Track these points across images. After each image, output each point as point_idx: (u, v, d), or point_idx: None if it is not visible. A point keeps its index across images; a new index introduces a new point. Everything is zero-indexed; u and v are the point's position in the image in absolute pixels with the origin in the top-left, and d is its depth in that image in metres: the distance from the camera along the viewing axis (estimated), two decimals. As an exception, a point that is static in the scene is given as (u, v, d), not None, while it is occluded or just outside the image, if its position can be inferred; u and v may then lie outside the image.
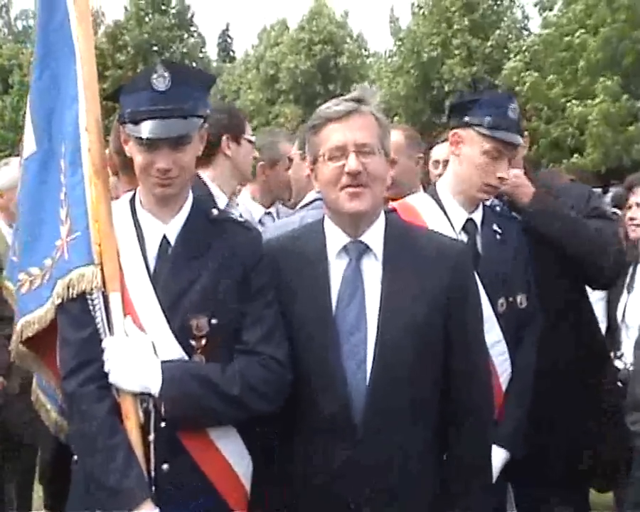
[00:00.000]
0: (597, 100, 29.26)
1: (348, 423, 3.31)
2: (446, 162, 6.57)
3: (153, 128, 3.28)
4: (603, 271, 4.85)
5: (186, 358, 3.31)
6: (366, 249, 3.46)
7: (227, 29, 59.83)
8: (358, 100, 3.44)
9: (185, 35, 51.91)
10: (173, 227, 3.43)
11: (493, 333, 4.12)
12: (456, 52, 37.59)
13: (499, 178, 4.23)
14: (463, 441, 3.46)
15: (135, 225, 3.45)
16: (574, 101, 30.14)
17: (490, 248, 4.29)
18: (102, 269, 3.36)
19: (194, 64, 49.70)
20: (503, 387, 4.23)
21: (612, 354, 5.71)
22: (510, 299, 4.26)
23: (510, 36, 38.97)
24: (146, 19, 50.48)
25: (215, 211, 3.58)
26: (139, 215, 3.47)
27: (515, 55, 34.27)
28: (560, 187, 5.28)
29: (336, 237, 3.49)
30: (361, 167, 3.34)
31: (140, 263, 3.38)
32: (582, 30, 30.79)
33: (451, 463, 3.49)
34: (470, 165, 4.26)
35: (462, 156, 4.30)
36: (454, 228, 4.24)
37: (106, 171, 3.54)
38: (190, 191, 3.53)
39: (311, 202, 5.02)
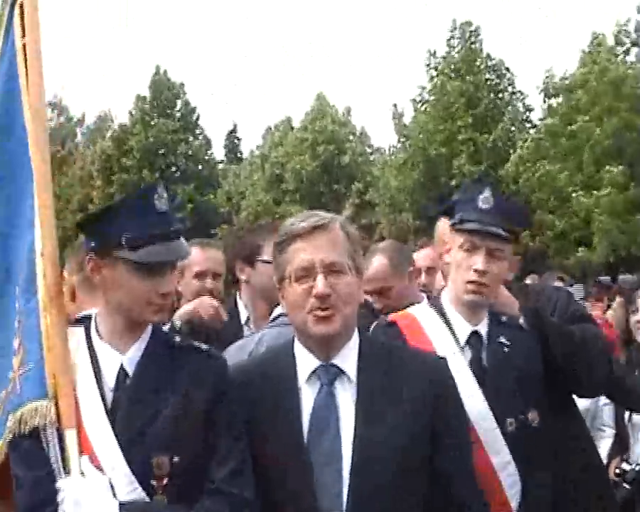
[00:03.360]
0: (603, 192, 29.37)
1: None
2: (428, 269, 6.51)
3: (159, 252, 3.17)
4: (595, 379, 4.56)
5: (147, 499, 3.10)
6: (339, 372, 3.28)
7: (234, 130, 60.21)
8: (324, 215, 3.30)
9: (191, 138, 52.46)
10: (131, 357, 3.24)
11: (501, 455, 3.82)
12: (462, 148, 37.79)
13: (475, 270, 3.94)
14: None
15: (90, 355, 3.26)
16: (580, 192, 30.23)
17: (496, 362, 3.95)
18: (56, 404, 3.18)
19: (199, 166, 50.40)
20: (512, 504, 3.89)
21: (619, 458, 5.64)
22: (521, 417, 3.89)
23: (513, 129, 39.21)
24: (152, 123, 50.95)
25: (176, 338, 3.41)
26: (95, 344, 3.28)
27: (520, 147, 34.47)
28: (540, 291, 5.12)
29: (305, 361, 3.31)
30: (329, 289, 3.18)
31: (96, 397, 3.19)
32: (586, 118, 31.02)
33: None
34: (454, 266, 4.06)
35: (451, 261, 4.11)
36: (458, 341, 3.97)
37: (61, 299, 3.36)
38: None
39: (275, 318, 4.81)
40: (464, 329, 3.99)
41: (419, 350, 3.67)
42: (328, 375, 3.27)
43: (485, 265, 3.91)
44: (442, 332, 4.02)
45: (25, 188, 3.47)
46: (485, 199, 4.00)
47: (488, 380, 3.89)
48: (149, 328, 3.31)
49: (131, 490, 3.09)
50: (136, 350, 3.25)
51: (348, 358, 3.29)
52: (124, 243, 3.16)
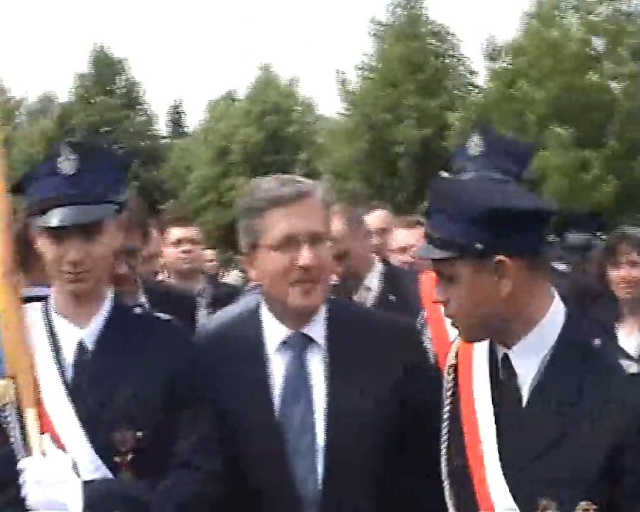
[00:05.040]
0: (551, 152, 29.55)
1: None
2: (380, 230, 6.48)
3: (61, 215, 3.01)
4: None
5: (111, 476, 3.03)
6: (309, 341, 3.20)
7: (178, 105, 59.67)
8: (307, 181, 3.19)
9: (133, 114, 51.94)
10: (90, 332, 3.15)
11: None
12: (407, 113, 37.73)
13: None
14: None
15: (49, 331, 3.17)
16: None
17: None
18: (15, 383, 3.09)
19: (142, 143, 49.92)
20: None
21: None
22: None
23: (456, 93, 39.25)
24: (93, 101, 50.35)
25: (138, 310, 3.34)
26: (53, 319, 3.19)
27: (461, 109, 34.54)
28: None
29: (274, 330, 3.22)
30: (316, 260, 3.06)
31: (55, 374, 3.11)
32: (526, 82, 31.19)
33: None
34: None
35: None
36: None
37: (14, 277, 3.24)
38: (110, 288, 3.26)
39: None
40: None
41: (389, 316, 3.57)
42: (299, 344, 3.19)
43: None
44: None
45: None
46: (474, 145, 3.73)
47: None
48: (109, 300, 3.21)
49: (94, 468, 3.02)
50: (95, 324, 3.16)
51: (316, 326, 3.21)
52: (34, 207, 3.09)
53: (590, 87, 31.51)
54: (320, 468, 3.07)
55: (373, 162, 38.38)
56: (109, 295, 3.23)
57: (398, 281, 5.10)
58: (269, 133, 45.76)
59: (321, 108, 68.75)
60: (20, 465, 3.00)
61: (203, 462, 3.08)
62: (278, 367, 3.18)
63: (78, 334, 3.14)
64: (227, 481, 3.08)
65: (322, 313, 3.23)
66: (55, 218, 3.02)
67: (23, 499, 2.96)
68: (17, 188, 3.23)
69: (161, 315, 3.37)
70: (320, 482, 3.06)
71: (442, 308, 2.82)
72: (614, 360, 2.88)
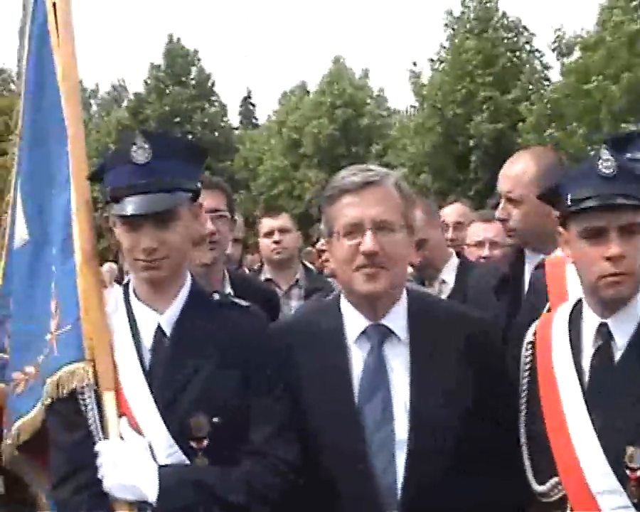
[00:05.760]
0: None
1: None
2: (456, 224, 6.43)
3: (135, 204, 3.06)
4: None
5: (187, 460, 3.07)
6: (388, 333, 3.19)
7: (248, 96, 60.07)
8: (378, 170, 3.20)
9: (206, 105, 52.26)
10: (168, 317, 3.19)
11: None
12: (483, 107, 37.43)
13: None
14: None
15: (128, 316, 3.22)
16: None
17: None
18: (94, 366, 3.15)
19: (216, 133, 50.19)
20: None
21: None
22: None
23: (531, 87, 38.82)
24: (167, 91, 50.76)
25: (216, 296, 3.35)
26: (133, 305, 3.23)
27: (536, 105, 34.13)
28: None
29: (354, 320, 3.23)
30: (378, 247, 3.07)
31: (134, 358, 3.15)
32: (601, 77, 30.72)
33: None
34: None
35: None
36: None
37: (96, 260, 3.33)
38: (189, 274, 3.29)
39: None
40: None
41: (467, 310, 3.54)
42: (378, 335, 3.19)
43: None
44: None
45: (60, 145, 3.43)
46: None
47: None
48: (187, 286, 3.25)
49: (170, 452, 3.06)
50: (173, 310, 3.19)
51: (397, 318, 3.21)
52: (109, 196, 3.14)
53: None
54: (400, 464, 3.05)
55: (445, 156, 38.15)
56: (188, 281, 3.26)
57: (473, 276, 5.05)
58: (341, 125, 45.67)
59: (393, 101, 68.61)
60: (98, 448, 3.04)
61: (276, 451, 3.10)
62: (357, 357, 3.18)
63: (156, 319, 3.18)
64: (301, 472, 3.08)
65: (402, 305, 3.24)
66: (129, 207, 3.06)
67: (100, 481, 3.01)
68: (94, 176, 3.30)
69: (240, 301, 3.38)
70: (401, 478, 3.05)
71: (612, 266, 2.99)
72: None
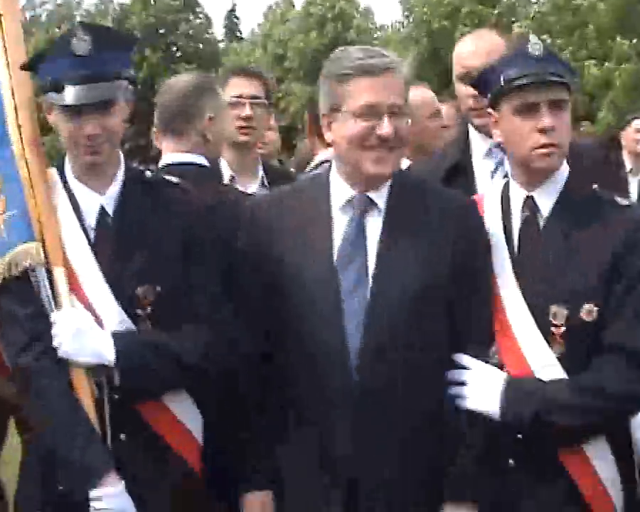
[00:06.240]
0: (614, 65, 28.96)
1: (346, 386, 3.15)
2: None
3: (78, 94, 3.17)
4: None
5: (133, 327, 3.25)
6: (370, 203, 3.28)
7: (233, 9, 59.46)
8: (393, 56, 3.27)
9: (191, 17, 51.78)
10: (109, 197, 3.34)
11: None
12: (465, 21, 37.23)
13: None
14: None
15: (69, 197, 3.34)
16: (591, 61, 29.76)
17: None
18: (43, 245, 3.26)
19: (200, 45, 49.78)
20: None
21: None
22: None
23: (517, 2, 38.62)
24: (152, 2, 50.28)
25: (148, 173, 3.52)
26: (72, 186, 3.36)
27: (523, 20, 33.99)
28: None
29: (341, 191, 3.32)
30: (393, 131, 3.16)
31: (80, 235, 3.29)
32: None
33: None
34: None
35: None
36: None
37: (40, 147, 3.41)
38: (122, 155, 3.44)
39: (320, 164, 4.76)
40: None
41: (454, 193, 3.57)
42: (361, 205, 3.28)
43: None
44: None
45: None
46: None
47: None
48: (122, 167, 3.40)
49: (119, 321, 3.22)
50: (114, 190, 3.34)
51: (381, 191, 3.29)
52: (47, 86, 3.24)
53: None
54: (363, 327, 3.17)
55: (430, 70, 38.00)
56: (122, 162, 3.41)
57: (419, 172, 5.06)
58: (330, 40, 45.29)
59: (379, 17, 67.86)
60: (53, 318, 3.17)
61: (219, 315, 3.32)
62: (340, 225, 3.29)
63: (99, 200, 3.32)
64: (240, 330, 3.28)
65: (387, 181, 3.31)
66: (73, 96, 3.17)
67: (55, 350, 3.16)
68: (30, 66, 3.36)
69: (171, 178, 3.53)
70: (361, 341, 3.17)
71: (545, 137, 3.23)
72: (610, 196, 3.40)
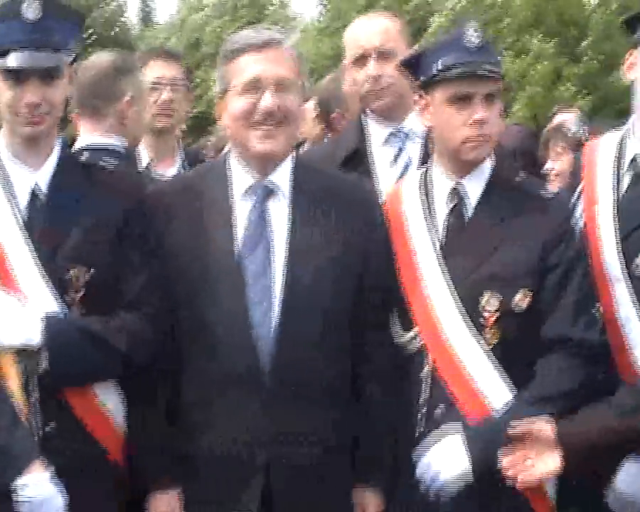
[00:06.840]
0: (531, 60, 29.49)
1: (255, 372, 3.14)
2: None
3: (22, 58, 3.09)
4: None
5: (63, 310, 3.16)
6: (272, 191, 3.25)
7: (148, -5, 59.02)
8: (278, 31, 3.28)
9: (106, 1, 51.25)
10: (43, 175, 3.24)
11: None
12: (382, 11, 37.37)
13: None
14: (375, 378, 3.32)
15: (1, 175, 3.23)
16: (508, 52, 30.20)
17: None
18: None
19: (116, 30, 49.44)
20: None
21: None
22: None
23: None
24: (65, -15, 49.65)
25: (84, 156, 3.45)
26: (4, 162, 3.25)
27: (440, 13, 34.36)
28: None
29: (240, 178, 3.27)
30: (277, 104, 3.12)
31: (9, 214, 3.18)
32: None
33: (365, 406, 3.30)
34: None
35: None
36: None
37: None
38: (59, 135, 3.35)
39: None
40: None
41: (357, 180, 3.63)
42: (263, 191, 3.24)
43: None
44: None
45: None
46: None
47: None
48: (58, 145, 3.29)
49: (48, 304, 3.12)
50: (48, 168, 3.24)
51: (282, 177, 3.26)
52: None
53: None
54: (275, 313, 3.14)
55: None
56: (59, 141, 3.31)
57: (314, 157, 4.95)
58: (244, 25, 45.33)
59: (295, 6, 68.15)
60: None
61: (147, 303, 3.23)
62: (242, 213, 3.23)
63: (32, 177, 3.22)
64: (169, 321, 3.21)
65: (288, 165, 3.28)
66: (15, 60, 3.08)
67: None
68: None
69: (106, 165, 3.45)
70: (275, 326, 3.14)
71: (476, 129, 3.23)
72: (536, 186, 3.51)
